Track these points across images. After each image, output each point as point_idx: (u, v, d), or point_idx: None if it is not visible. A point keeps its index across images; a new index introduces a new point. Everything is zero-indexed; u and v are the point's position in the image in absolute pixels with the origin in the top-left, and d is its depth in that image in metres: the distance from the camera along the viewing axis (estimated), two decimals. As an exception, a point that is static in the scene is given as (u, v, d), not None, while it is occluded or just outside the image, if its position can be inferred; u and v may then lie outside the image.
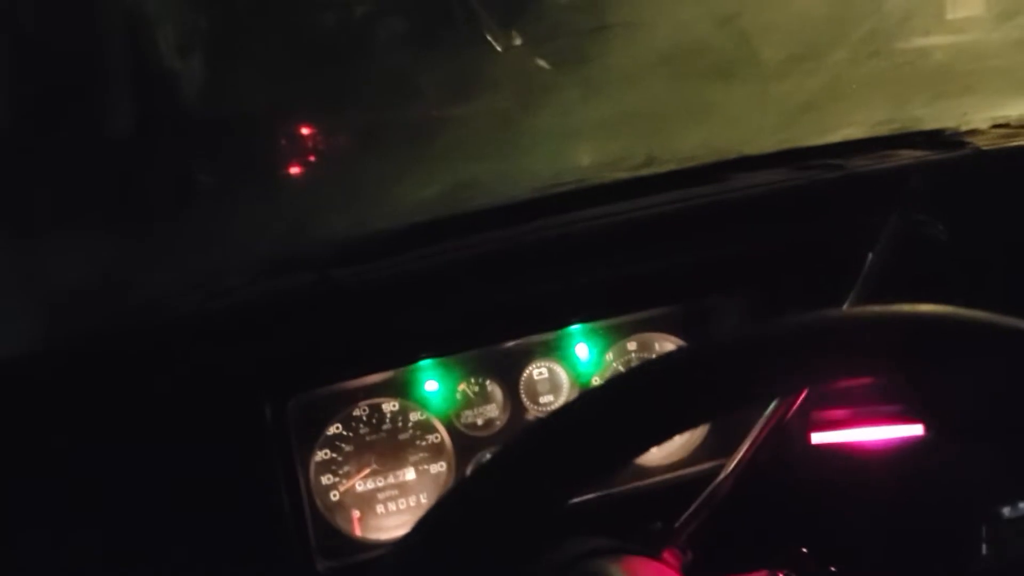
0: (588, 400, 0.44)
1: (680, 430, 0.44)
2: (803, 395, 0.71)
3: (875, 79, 1.16)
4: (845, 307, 0.72)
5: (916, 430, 0.77)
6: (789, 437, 0.79)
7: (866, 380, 0.48)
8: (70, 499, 0.76)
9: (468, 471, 0.91)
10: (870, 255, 0.73)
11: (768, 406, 0.72)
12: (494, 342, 0.90)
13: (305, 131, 1.25)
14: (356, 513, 0.89)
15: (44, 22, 1.09)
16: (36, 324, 0.87)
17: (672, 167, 1.04)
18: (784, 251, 0.89)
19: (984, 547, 0.81)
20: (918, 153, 1.01)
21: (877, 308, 0.44)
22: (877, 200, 0.78)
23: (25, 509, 0.76)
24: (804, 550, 0.65)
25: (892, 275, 0.71)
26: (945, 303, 0.44)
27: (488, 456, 0.90)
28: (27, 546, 0.75)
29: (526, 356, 0.92)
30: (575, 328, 0.92)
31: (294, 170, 1.23)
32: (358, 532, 0.88)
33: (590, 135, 1.14)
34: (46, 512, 0.76)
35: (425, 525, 0.40)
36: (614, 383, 0.44)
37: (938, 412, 0.75)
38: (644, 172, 1.04)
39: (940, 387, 0.73)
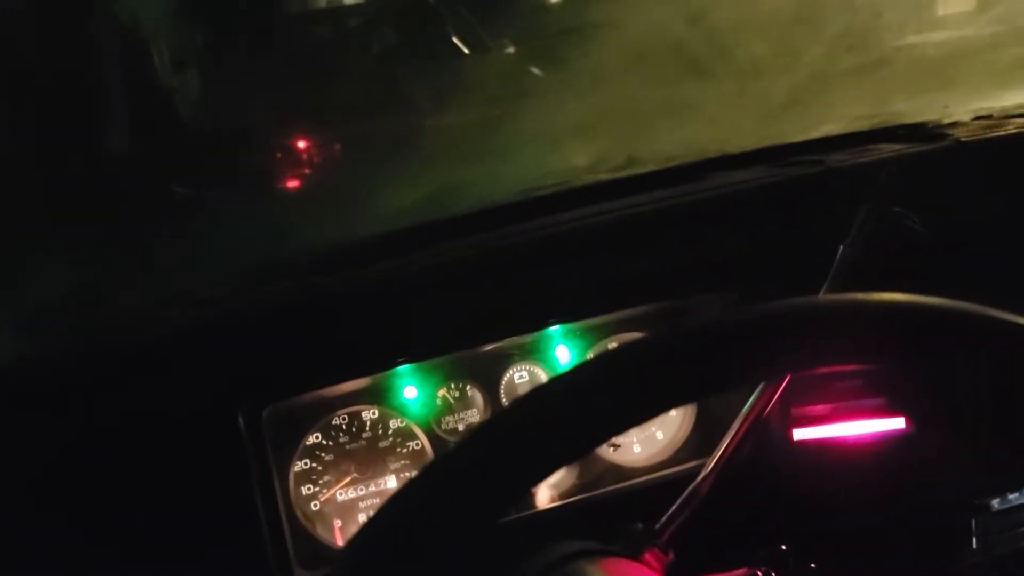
0: (544, 390, 0.43)
1: (641, 417, 0.43)
2: (781, 390, 0.70)
3: (855, 75, 1.16)
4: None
5: (898, 424, 0.76)
6: (770, 434, 0.78)
7: (834, 367, 0.46)
8: (45, 507, 0.75)
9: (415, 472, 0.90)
10: (841, 247, 0.72)
11: (747, 402, 0.72)
12: (473, 346, 0.89)
13: (288, 141, 1.25)
14: (337, 523, 0.87)
15: (38, 36, 1.09)
16: (19, 334, 0.86)
17: (653, 167, 1.04)
18: (764, 248, 0.88)
19: (974, 540, 0.80)
20: (899, 147, 1.01)
21: (849, 295, 0.43)
22: (856, 194, 0.78)
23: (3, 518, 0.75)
24: (784, 547, 0.63)
25: (864, 267, 0.70)
26: (920, 293, 0.43)
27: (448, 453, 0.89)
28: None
29: (506, 359, 0.91)
30: (555, 329, 0.91)
31: (277, 180, 1.23)
32: (339, 542, 0.87)
33: (571, 138, 1.14)
34: (22, 522, 0.75)
35: (370, 528, 0.39)
36: (568, 373, 0.43)
37: (919, 405, 0.74)
38: (625, 173, 1.04)
39: (921, 379, 0.72)
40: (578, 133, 1.14)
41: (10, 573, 0.75)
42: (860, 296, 0.43)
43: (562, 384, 0.41)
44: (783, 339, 0.40)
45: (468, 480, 0.39)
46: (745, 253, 0.89)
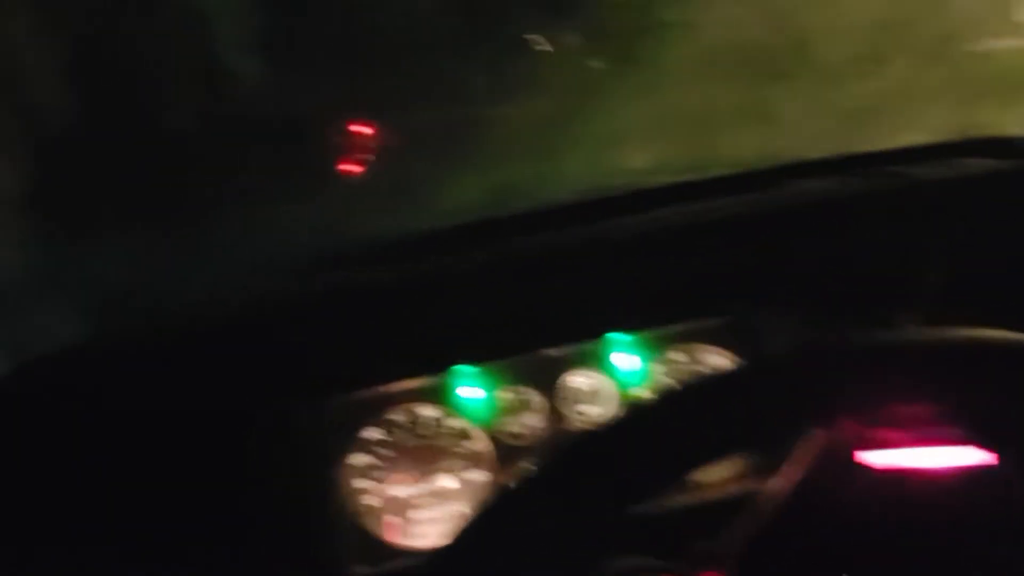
0: (650, 408, 0.42)
1: (741, 450, 0.42)
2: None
3: (941, 82, 1.11)
4: (905, 325, 0.68)
5: (986, 457, 0.73)
6: (839, 456, 0.75)
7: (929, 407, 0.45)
8: (104, 495, 0.76)
9: (511, 480, 0.89)
10: (930, 270, 0.69)
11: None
12: (535, 349, 0.88)
13: (349, 131, 1.25)
14: (392, 519, 0.87)
15: (102, 22, 1.10)
16: (79, 321, 0.87)
17: (724, 172, 1.01)
18: (839, 263, 0.85)
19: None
20: (986, 161, 0.97)
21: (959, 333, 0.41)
22: (940, 211, 0.74)
23: (60, 503, 0.77)
24: (850, 579, 0.61)
25: (954, 293, 0.67)
26: (1014, 325, 0.41)
27: (534, 465, 0.88)
28: (59, 539, 0.75)
29: (567, 364, 0.90)
30: (618, 336, 0.89)
31: (336, 170, 1.23)
32: (393, 538, 0.87)
33: (639, 137, 1.11)
34: (82, 507, 0.76)
35: (469, 533, 0.39)
36: (673, 394, 0.42)
37: (997, 435, 0.71)
38: (694, 177, 1.02)
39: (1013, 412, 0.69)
40: (647, 133, 1.12)
41: (61, 552, 0.76)
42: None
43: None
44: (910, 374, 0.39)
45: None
46: (819, 267, 0.86)
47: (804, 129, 1.09)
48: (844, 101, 1.10)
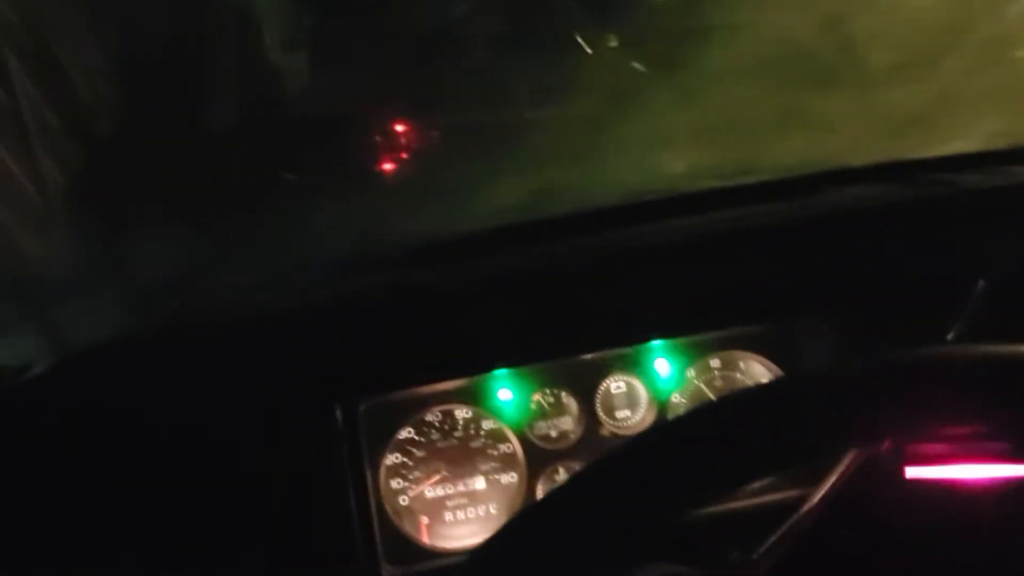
0: (691, 418, 0.42)
1: (787, 465, 0.41)
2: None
3: (991, 88, 1.08)
4: (954, 340, 0.66)
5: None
6: (882, 469, 0.74)
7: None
8: (138, 488, 0.77)
9: (551, 484, 0.89)
10: (980, 281, 0.67)
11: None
12: (572, 353, 0.87)
13: (388, 131, 1.25)
14: (424, 520, 0.87)
15: (146, 16, 1.11)
16: (118, 316, 0.88)
17: (768, 177, 1.00)
18: (883, 273, 0.83)
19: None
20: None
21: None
22: (989, 220, 0.73)
23: (101, 494, 0.78)
24: (893, 596, 0.60)
25: (1004, 305, 0.65)
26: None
27: (575, 469, 0.88)
28: (97, 532, 0.76)
29: (604, 369, 0.90)
30: (656, 343, 0.88)
31: (375, 169, 1.23)
32: (425, 539, 0.87)
33: (682, 142, 1.10)
34: (120, 501, 0.77)
35: (503, 535, 0.39)
36: (714, 406, 0.42)
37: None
38: (737, 182, 1.00)
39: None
40: (689, 137, 1.10)
41: (98, 539, 0.77)
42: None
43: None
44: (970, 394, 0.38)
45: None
46: (862, 276, 0.84)
47: (850, 135, 1.07)
48: (892, 107, 1.08)
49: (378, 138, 1.28)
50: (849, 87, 1.11)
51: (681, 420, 0.41)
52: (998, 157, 0.98)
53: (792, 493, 0.84)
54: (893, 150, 0.99)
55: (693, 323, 0.87)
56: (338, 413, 0.80)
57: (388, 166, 1.25)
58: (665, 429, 0.41)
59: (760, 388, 0.42)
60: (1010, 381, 0.39)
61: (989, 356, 0.40)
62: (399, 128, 1.26)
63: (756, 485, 0.88)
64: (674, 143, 1.09)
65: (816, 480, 0.69)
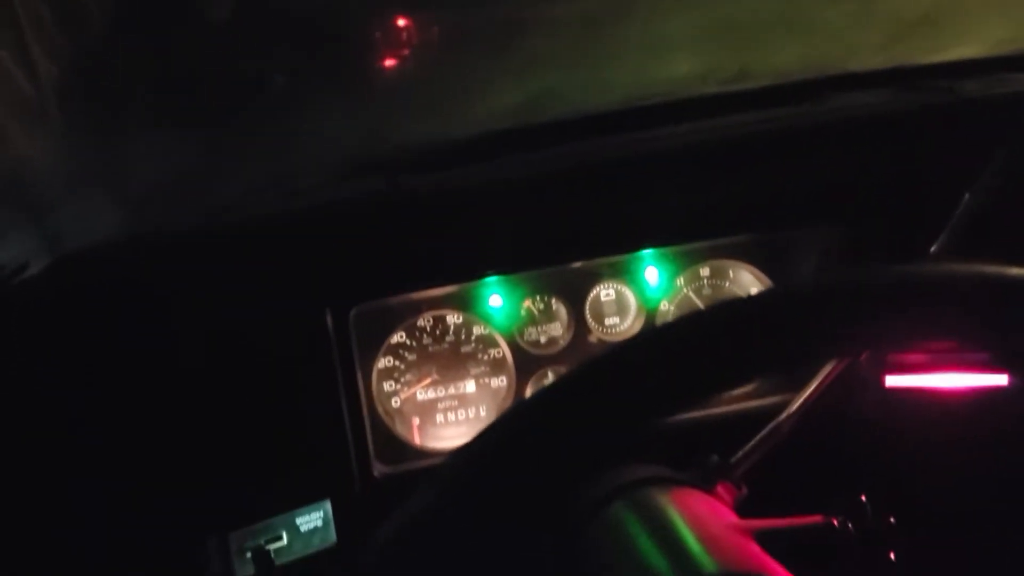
0: (676, 326, 0.42)
1: (761, 374, 0.42)
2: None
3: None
4: (938, 255, 0.66)
5: (1000, 380, 0.72)
6: (861, 378, 0.75)
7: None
8: (131, 389, 0.78)
9: (530, 388, 0.91)
10: (966, 195, 0.67)
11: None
12: (563, 261, 0.88)
13: (381, 33, 1.22)
14: (416, 421, 0.90)
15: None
16: (114, 218, 0.88)
17: (767, 83, 0.98)
18: (878, 183, 0.83)
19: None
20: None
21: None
22: (987, 131, 0.71)
23: (93, 396, 0.79)
24: (863, 498, 0.62)
25: (991, 220, 0.65)
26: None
27: (552, 375, 0.90)
28: (96, 420, 0.78)
29: (594, 277, 0.90)
30: (647, 251, 0.89)
31: (369, 73, 1.21)
32: (417, 440, 0.89)
33: (680, 44, 1.07)
34: (109, 402, 0.79)
35: (484, 438, 0.40)
36: (696, 317, 0.42)
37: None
38: (735, 87, 0.98)
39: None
40: (688, 41, 1.07)
41: (91, 436, 0.79)
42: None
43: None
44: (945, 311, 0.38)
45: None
46: (856, 186, 0.84)
47: (852, 40, 1.04)
48: (894, 11, 1.04)
49: (372, 40, 1.24)
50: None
51: (666, 326, 0.42)
52: (1001, 63, 0.96)
53: (773, 400, 0.86)
54: (896, 56, 0.97)
55: (685, 232, 0.87)
56: (328, 317, 0.81)
57: (382, 69, 1.22)
58: (649, 334, 0.42)
59: (748, 298, 0.43)
60: (988, 298, 0.39)
61: (971, 274, 0.40)
62: (394, 29, 1.23)
63: (736, 392, 0.91)
64: (673, 47, 1.06)
65: (796, 388, 0.71)
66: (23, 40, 0.96)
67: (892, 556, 0.61)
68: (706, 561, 0.54)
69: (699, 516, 0.60)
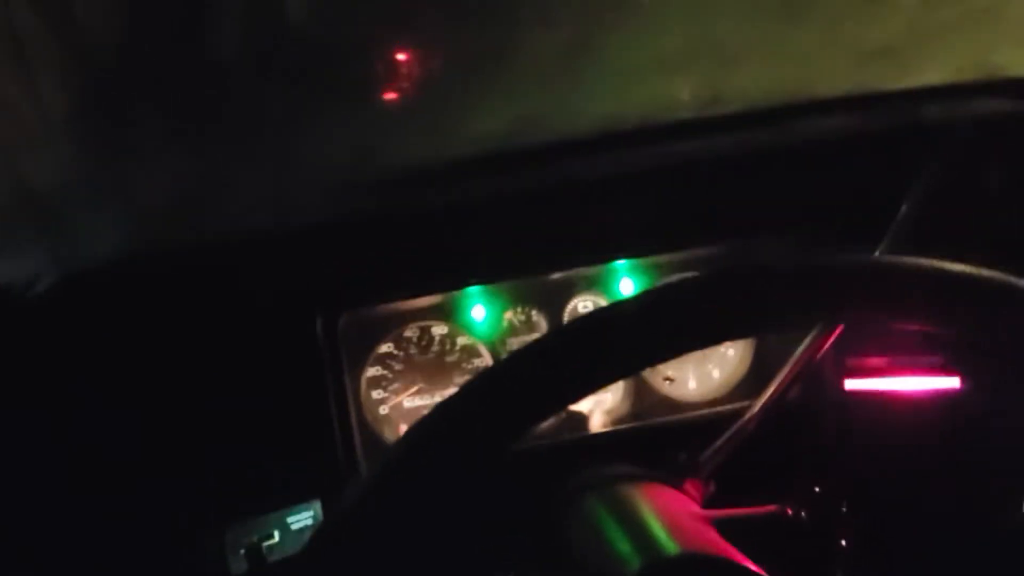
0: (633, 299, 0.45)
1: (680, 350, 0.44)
2: (835, 338, 0.72)
3: (961, 21, 1.10)
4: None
5: (953, 383, 0.77)
6: (823, 381, 0.80)
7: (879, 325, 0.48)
8: (135, 401, 0.82)
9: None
10: (904, 205, 0.72)
11: (800, 347, 0.73)
12: (541, 272, 0.92)
13: (373, 58, 1.27)
14: (403, 427, 0.94)
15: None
16: (119, 235, 0.92)
17: (739, 108, 1.03)
18: (834, 197, 0.87)
19: (1024, 505, 0.80)
20: (1000, 102, 0.97)
21: (895, 258, 0.44)
22: (932, 150, 0.76)
23: (99, 406, 0.83)
24: (816, 489, 0.66)
25: (927, 225, 0.70)
26: (985, 258, 0.44)
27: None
28: (93, 426, 0.81)
29: (571, 288, 0.95)
30: (621, 263, 0.93)
31: (358, 96, 1.26)
32: (403, 445, 0.93)
33: (656, 71, 1.12)
34: (114, 414, 0.82)
35: (412, 433, 0.43)
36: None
37: (976, 366, 0.74)
38: (708, 113, 1.03)
39: (976, 341, 0.72)
40: (665, 66, 1.13)
41: (96, 447, 0.82)
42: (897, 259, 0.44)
43: (613, 311, 0.44)
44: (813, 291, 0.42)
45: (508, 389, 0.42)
46: (815, 201, 0.89)
47: (820, 67, 1.09)
48: (863, 38, 1.10)
49: (360, 69, 1.29)
50: (821, 18, 1.13)
51: (621, 301, 0.45)
52: (963, 90, 1.01)
53: (738, 405, 0.90)
54: (861, 82, 1.02)
55: (657, 244, 0.91)
56: (319, 326, 0.85)
57: (370, 95, 1.27)
58: (600, 311, 0.45)
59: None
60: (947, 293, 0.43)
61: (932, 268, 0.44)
62: (385, 55, 1.28)
63: (704, 399, 0.95)
64: (648, 72, 1.11)
65: (759, 392, 0.75)
66: (30, 62, 1.01)
67: (843, 543, 0.64)
68: (669, 545, 0.57)
69: (664, 506, 0.64)
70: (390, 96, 1.27)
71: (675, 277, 0.93)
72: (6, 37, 0.87)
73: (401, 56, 1.25)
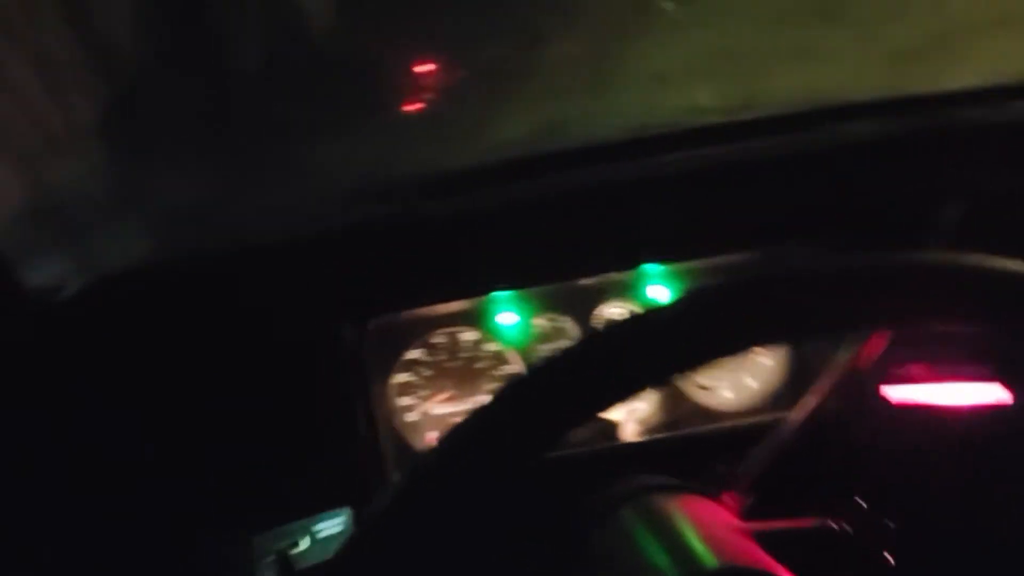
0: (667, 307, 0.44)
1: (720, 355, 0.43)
2: (878, 343, 0.70)
3: (997, 22, 1.09)
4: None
5: (1003, 395, 0.74)
6: (862, 389, 0.78)
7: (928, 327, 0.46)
8: (164, 398, 0.82)
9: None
10: (939, 210, 0.70)
11: (840, 354, 0.71)
12: (569, 278, 0.91)
13: (397, 65, 1.27)
14: (431, 435, 0.92)
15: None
16: (145, 242, 0.93)
17: (769, 112, 1.02)
18: (868, 201, 0.86)
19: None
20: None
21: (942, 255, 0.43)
22: (970, 157, 0.75)
23: (123, 414, 0.82)
24: (861, 503, 0.64)
25: (969, 230, 0.68)
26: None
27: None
28: (129, 434, 0.81)
29: (601, 294, 0.93)
30: (651, 269, 0.92)
31: (385, 103, 1.26)
32: (431, 452, 0.92)
33: (687, 76, 1.12)
34: (141, 420, 0.82)
35: (445, 440, 0.42)
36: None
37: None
38: (738, 117, 1.02)
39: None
40: (696, 71, 1.12)
41: (123, 452, 0.82)
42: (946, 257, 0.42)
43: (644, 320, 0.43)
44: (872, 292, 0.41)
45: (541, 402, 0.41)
46: (847, 206, 0.87)
47: (856, 70, 1.08)
48: (899, 41, 1.08)
49: (389, 77, 1.30)
50: (854, 21, 1.12)
51: (651, 311, 0.44)
52: (1001, 93, 0.99)
53: (775, 415, 0.88)
54: (895, 85, 1.00)
55: (687, 250, 0.90)
56: (346, 332, 0.84)
57: (398, 104, 1.27)
58: (631, 320, 0.43)
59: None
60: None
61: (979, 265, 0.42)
62: (411, 64, 1.28)
63: (745, 408, 0.93)
64: (679, 77, 1.11)
65: (797, 400, 0.73)
66: (59, 72, 1.01)
67: (890, 558, 0.63)
68: (708, 558, 0.56)
69: (703, 519, 0.63)
70: (418, 105, 1.28)
71: (713, 280, 0.92)
72: (34, 51, 0.88)
73: (430, 66, 1.26)
